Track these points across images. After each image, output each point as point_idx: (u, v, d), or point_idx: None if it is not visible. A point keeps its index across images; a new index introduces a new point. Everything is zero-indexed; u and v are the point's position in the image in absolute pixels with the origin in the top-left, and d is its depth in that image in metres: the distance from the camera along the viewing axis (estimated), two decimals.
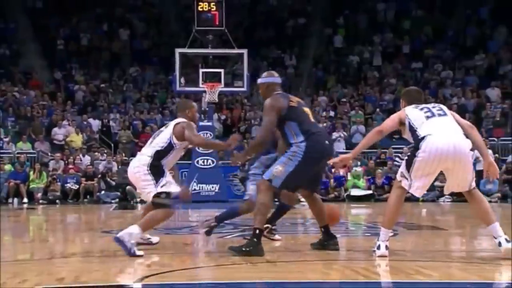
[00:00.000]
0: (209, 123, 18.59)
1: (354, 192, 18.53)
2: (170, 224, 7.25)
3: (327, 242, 6.71)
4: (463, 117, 24.63)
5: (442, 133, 5.95)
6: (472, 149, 6.03)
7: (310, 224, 8.76)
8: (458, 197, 14.40)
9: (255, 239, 6.26)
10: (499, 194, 17.41)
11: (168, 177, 6.62)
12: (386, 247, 6.15)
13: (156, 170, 6.60)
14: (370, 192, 18.51)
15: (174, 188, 6.56)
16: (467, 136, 6.09)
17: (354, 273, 5.42)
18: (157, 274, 5.36)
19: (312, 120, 6.62)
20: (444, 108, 6.30)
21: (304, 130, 6.40)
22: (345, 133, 21.67)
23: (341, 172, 18.87)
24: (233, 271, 5.64)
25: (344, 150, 19.88)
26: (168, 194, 6.51)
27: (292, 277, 5.43)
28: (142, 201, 18.03)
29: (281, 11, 30.46)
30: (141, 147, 22.40)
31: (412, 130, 6.12)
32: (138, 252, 6.33)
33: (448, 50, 27.08)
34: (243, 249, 6.25)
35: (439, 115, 6.12)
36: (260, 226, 6.33)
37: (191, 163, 18.37)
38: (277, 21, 29.64)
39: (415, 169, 5.96)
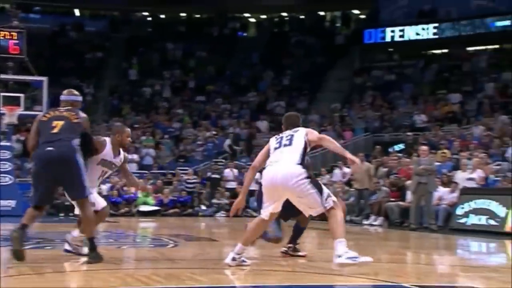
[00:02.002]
0: (8, 144, 17.60)
1: (143, 208, 18.28)
2: None
3: (90, 254, 6.23)
4: (237, 144, 25.03)
5: (275, 164, 5.98)
6: (308, 177, 5.83)
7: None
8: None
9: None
10: None
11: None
12: (233, 259, 6.06)
13: None
14: (157, 208, 18.36)
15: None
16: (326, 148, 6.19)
17: (135, 280, 5.33)
18: None
19: (56, 131, 6.11)
20: (297, 135, 6.08)
21: (39, 142, 6.16)
22: (137, 155, 21.43)
23: (133, 190, 18.53)
24: (19, 282, 5.26)
25: (137, 171, 19.61)
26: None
27: (78, 284, 5.23)
28: None
29: (81, 44, 29.67)
30: None
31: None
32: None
33: (226, 86, 28.01)
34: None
35: (285, 145, 6.05)
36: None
37: None
38: (77, 53, 28.79)
39: (264, 195, 6.08)
